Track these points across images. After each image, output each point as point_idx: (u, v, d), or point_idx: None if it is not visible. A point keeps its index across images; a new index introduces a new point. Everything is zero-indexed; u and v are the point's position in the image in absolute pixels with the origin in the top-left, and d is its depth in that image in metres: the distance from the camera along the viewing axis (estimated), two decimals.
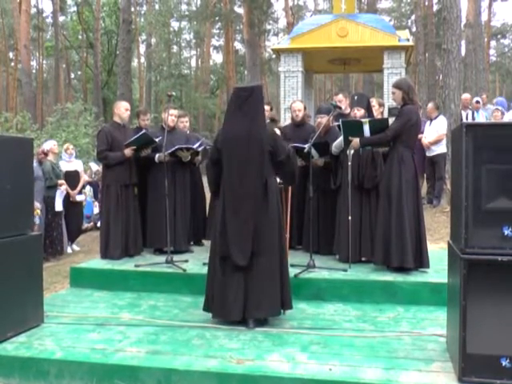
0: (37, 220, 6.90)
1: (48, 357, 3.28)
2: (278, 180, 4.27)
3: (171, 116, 5.86)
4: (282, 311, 3.86)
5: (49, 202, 7.76)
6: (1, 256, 3.48)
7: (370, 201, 5.20)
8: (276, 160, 3.86)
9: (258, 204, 3.72)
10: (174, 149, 5.59)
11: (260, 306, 3.70)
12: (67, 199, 8.20)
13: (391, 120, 4.99)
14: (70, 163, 8.61)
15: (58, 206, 7.85)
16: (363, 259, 5.19)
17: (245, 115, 3.73)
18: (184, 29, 37.57)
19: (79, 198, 8.53)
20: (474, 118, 9.85)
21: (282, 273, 3.82)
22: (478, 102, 10.20)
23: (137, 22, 31.13)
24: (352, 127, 4.93)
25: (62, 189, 7.96)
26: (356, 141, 4.89)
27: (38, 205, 7.17)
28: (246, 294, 3.70)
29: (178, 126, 6.33)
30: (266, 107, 5.99)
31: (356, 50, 13.09)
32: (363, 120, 4.95)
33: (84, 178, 8.93)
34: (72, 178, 8.39)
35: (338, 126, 5.18)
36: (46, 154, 8.02)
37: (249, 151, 3.71)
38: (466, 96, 10.65)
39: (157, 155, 5.68)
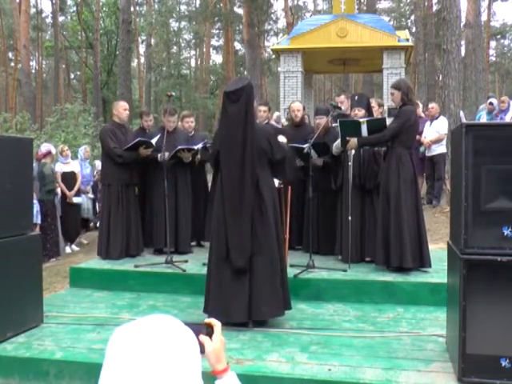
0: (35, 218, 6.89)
1: (47, 357, 3.28)
2: (277, 181, 4.26)
3: (169, 123, 5.86)
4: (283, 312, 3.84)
5: (48, 206, 7.75)
6: (0, 256, 3.47)
7: (372, 201, 5.21)
8: (273, 160, 3.86)
9: (254, 206, 3.71)
10: (174, 150, 5.60)
11: (262, 308, 3.69)
12: (64, 200, 8.20)
13: (389, 120, 4.99)
14: (66, 165, 8.59)
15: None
16: (367, 259, 5.20)
17: (236, 118, 3.72)
18: (184, 29, 37.47)
19: (76, 200, 8.51)
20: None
21: (281, 273, 3.81)
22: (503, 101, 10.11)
23: (136, 22, 31.09)
24: (350, 127, 4.92)
25: (58, 191, 7.99)
26: (354, 141, 4.88)
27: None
28: (249, 296, 3.68)
29: (183, 125, 6.36)
30: (264, 107, 6.01)
31: (355, 51, 13.07)
32: (361, 120, 4.94)
33: (80, 179, 8.89)
34: (69, 179, 8.38)
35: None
36: (45, 156, 8.02)
37: (242, 153, 3.70)
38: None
39: (159, 154, 5.67)
